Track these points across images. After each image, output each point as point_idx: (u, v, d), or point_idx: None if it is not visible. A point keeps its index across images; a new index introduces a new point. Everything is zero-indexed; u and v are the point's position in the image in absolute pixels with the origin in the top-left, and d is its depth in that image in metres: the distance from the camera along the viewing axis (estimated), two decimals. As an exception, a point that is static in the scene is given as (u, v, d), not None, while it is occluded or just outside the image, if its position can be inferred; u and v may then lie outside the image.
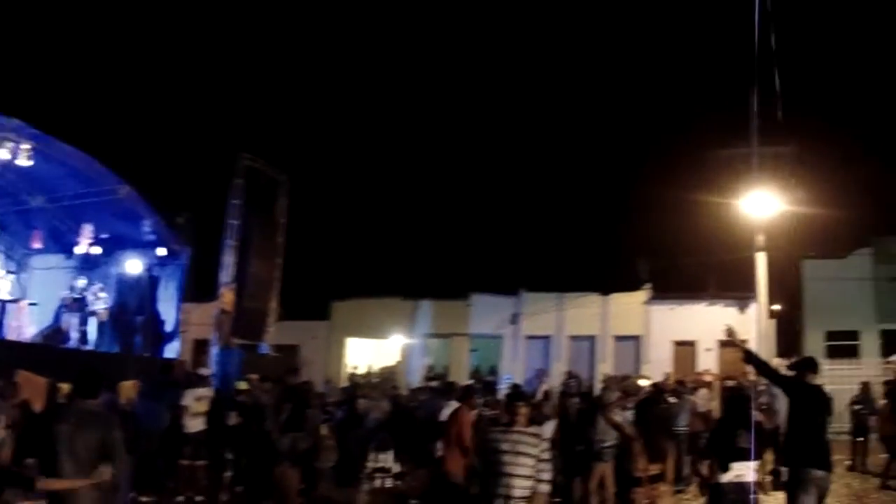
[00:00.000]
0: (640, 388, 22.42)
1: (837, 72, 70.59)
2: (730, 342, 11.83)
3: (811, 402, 10.84)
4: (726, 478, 10.92)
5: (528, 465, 8.97)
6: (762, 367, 11.62)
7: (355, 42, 71.39)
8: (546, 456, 9.16)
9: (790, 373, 11.77)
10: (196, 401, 18.07)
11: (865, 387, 23.35)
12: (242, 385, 21.08)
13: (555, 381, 32.48)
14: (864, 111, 63.66)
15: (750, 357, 11.47)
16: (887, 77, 69.28)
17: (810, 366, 11.34)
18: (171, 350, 28.64)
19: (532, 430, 9.29)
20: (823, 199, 33.74)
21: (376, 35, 75.26)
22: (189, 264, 29.47)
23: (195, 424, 17.82)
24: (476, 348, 40.36)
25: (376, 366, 39.55)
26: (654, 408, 18.62)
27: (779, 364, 28.42)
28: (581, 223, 47.04)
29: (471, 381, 32.38)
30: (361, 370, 38.61)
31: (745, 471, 10.92)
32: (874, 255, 38.29)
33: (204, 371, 22.17)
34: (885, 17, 69.70)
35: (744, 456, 11.03)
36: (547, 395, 21.01)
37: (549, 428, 16.49)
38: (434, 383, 29.80)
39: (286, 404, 17.07)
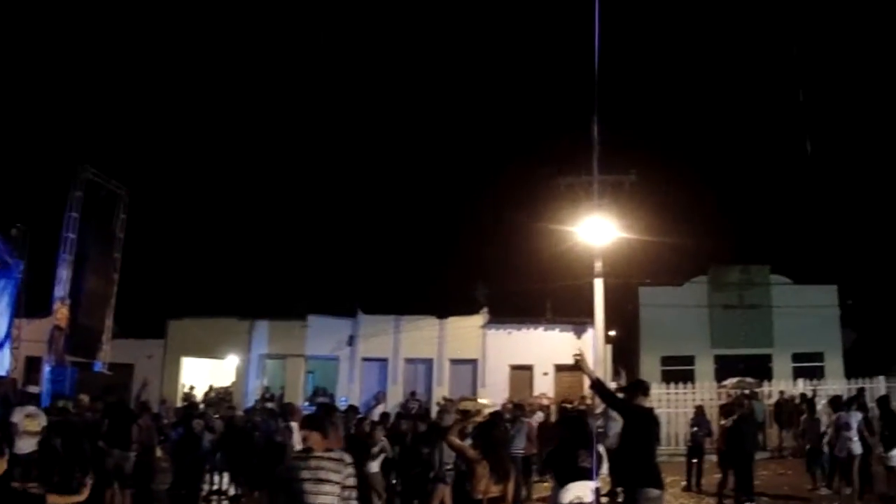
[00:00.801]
0: (482, 406, 22.60)
1: (680, 104, 72.21)
2: (578, 367, 11.83)
3: (643, 424, 10.96)
4: (566, 499, 10.97)
5: (332, 492, 8.48)
6: (605, 394, 11.69)
7: (196, 57, 70.41)
8: (351, 482, 8.62)
9: (621, 395, 11.88)
10: (26, 419, 17.48)
11: (699, 410, 23.81)
12: (61, 403, 20.53)
13: (391, 403, 32.49)
14: (704, 144, 65.23)
15: (596, 384, 11.52)
16: (727, 112, 71.17)
17: (641, 388, 11.48)
18: (2, 366, 27.73)
19: (334, 455, 8.69)
20: (662, 227, 34.40)
21: (216, 50, 74.38)
22: (23, 278, 28.58)
23: (26, 445, 17.22)
24: (312, 370, 39.99)
25: (212, 386, 38.87)
26: (495, 430, 18.67)
27: (615, 388, 28.90)
28: (419, 246, 47.13)
29: (306, 403, 32.22)
30: (199, 390, 37.92)
31: (584, 491, 10.99)
32: (710, 282, 39.27)
33: (33, 389, 21.57)
34: (721, 55, 71.72)
35: (584, 476, 11.10)
36: (384, 417, 20.89)
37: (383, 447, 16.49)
38: (270, 405, 29.45)
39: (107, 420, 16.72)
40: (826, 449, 19.71)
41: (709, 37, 74.65)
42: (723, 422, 20.41)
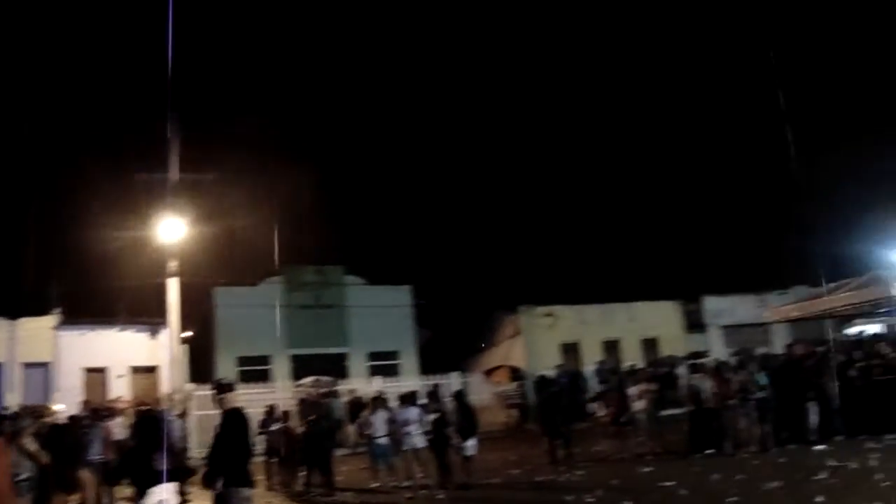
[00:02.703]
0: (53, 412, 21.72)
1: (260, 103, 72.29)
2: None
3: (235, 424, 10.79)
4: (149, 503, 10.68)
5: None
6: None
7: None
8: None
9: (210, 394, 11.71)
10: None
11: (271, 410, 23.74)
12: None
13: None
14: (282, 143, 65.50)
15: None
16: (293, 113, 71.77)
17: (228, 388, 11.34)
18: None
19: None
20: (239, 227, 34.26)
21: None
22: None
23: None
24: None
25: None
26: (67, 436, 17.99)
27: (192, 390, 28.60)
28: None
29: None
30: None
31: (165, 494, 10.73)
32: (285, 282, 39.50)
33: None
34: (315, 55, 72.38)
35: (161, 479, 10.84)
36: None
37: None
38: None
39: None
40: (387, 442, 20.26)
41: (291, 35, 75.17)
42: (289, 423, 20.68)
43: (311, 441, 20.35)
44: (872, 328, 32.65)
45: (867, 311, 28.38)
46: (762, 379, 21.49)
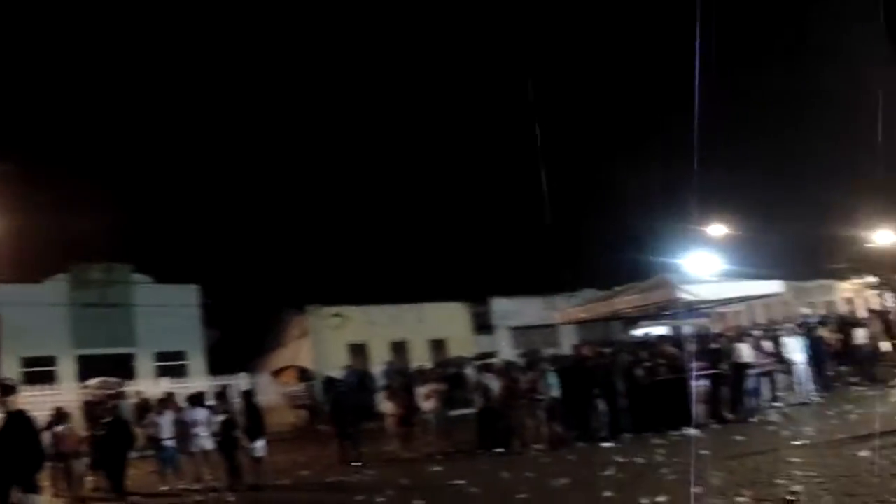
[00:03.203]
0: None
1: (46, 93, 70.44)
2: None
3: (17, 427, 10.66)
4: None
5: None
6: None
7: None
8: None
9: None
10: None
11: (57, 412, 23.21)
12: None
13: None
14: (71, 138, 63.94)
15: None
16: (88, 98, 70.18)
17: (10, 390, 11.19)
18: None
19: None
20: (21, 222, 33.37)
21: None
22: None
23: None
24: None
25: None
26: None
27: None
28: None
29: None
30: None
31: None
32: (70, 280, 38.62)
33: None
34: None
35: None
36: None
37: None
38: None
39: None
40: (174, 444, 20.18)
41: (81, 28, 73.40)
42: (75, 426, 20.36)
43: (100, 445, 20.02)
44: (658, 330, 33.57)
45: (653, 314, 29.39)
46: (551, 379, 22.11)
